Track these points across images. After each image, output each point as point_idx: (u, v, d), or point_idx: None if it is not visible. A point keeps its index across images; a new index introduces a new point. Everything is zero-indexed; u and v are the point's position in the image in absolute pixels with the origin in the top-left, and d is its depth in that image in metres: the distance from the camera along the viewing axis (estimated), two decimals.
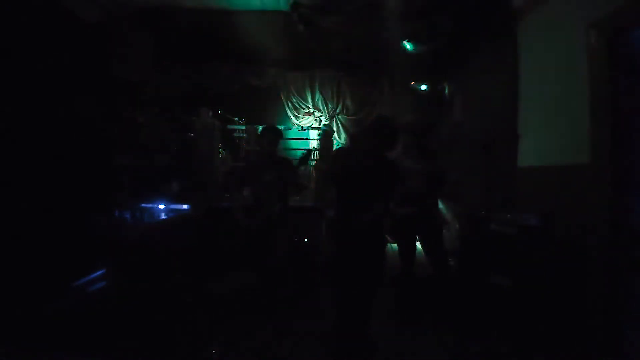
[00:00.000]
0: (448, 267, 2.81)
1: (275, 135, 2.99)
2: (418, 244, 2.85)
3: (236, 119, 5.40)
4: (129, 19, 3.95)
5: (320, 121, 5.67)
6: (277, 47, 4.83)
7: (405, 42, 4.24)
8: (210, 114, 4.67)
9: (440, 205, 3.37)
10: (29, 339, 1.93)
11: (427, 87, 5.36)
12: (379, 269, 2.34)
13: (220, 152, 4.76)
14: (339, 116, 5.68)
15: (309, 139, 5.75)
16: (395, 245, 4.57)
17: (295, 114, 5.68)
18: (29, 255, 2.20)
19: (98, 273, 2.42)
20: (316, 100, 5.62)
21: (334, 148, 5.11)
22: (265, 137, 2.95)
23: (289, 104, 5.64)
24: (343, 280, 2.31)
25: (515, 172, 3.20)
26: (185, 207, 3.48)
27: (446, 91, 5.24)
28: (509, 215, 2.76)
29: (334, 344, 2.33)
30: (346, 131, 5.71)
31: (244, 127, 5.45)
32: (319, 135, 5.48)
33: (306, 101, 5.64)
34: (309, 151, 3.46)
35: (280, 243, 2.94)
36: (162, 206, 3.29)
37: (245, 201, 3.07)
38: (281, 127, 5.55)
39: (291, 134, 5.63)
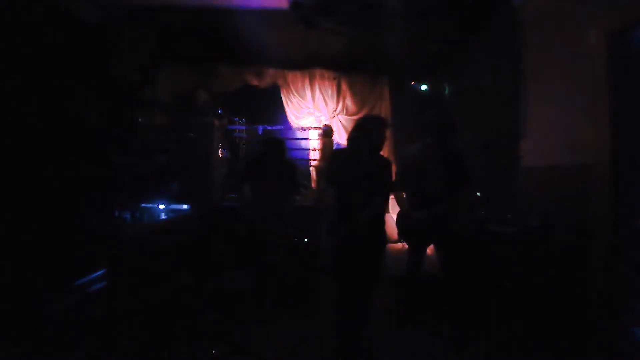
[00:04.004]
0: (460, 279, 2.63)
1: (279, 149, 3.06)
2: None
3: (236, 119, 5.40)
4: (129, 18, 3.95)
5: (320, 121, 5.67)
6: (277, 47, 4.83)
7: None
8: (211, 114, 4.67)
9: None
10: (29, 339, 1.93)
11: (427, 87, 5.36)
12: (378, 268, 2.34)
13: (220, 152, 4.77)
14: (339, 116, 5.68)
15: (309, 139, 5.76)
16: (398, 245, 4.59)
17: (295, 114, 5.68)
18: (29, 256, 2.20)
19: (98, 273, 2.42)
20: (316, 100, 5.62)
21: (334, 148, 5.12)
22: (269, 150, 3.02)
23: (289, 104, 5.64)
24: (342, 280, 2.31)
25: (515, 172, 3.20)
26: (185, 207, 3.48)
27: (446, 91, 5.25)
28: (509, 215, 2.76)
29: (334, 343, 2.33)
30: (346, 131, 5.71)
31: (244, 127, 5.46)
32: (319, 135, 5.49)
33: (306, 101, 5.64)
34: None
35: (282, 243, 2.96)
36: (162, 206, 3.29)
37: (250, 201, 3.10)
38: (280, 128, 5.61)
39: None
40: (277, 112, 5.75)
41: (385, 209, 2.39)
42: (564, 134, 2.69)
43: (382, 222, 2.37)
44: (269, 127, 5.60)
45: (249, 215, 3.13)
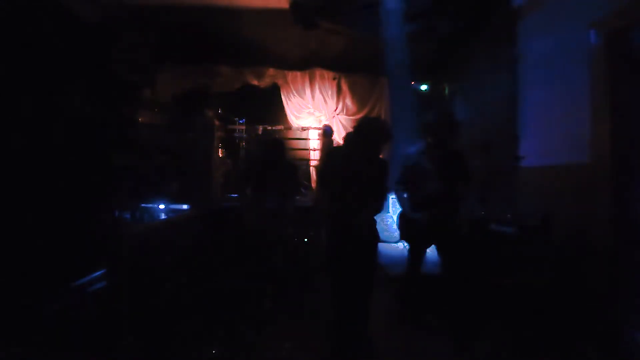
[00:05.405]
0: (460, 279, 2.60)
1: (279, 149, 3.07)
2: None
3: (236, 119, 5.40)
4: (129, 18, 3.95)
5: (320, 121, 5.67)
6: (277, 47, 4.82)
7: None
8: (211, 114, 4.67)
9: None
10: (29, 339, 1.93)
11: (427, 87, 5.36)
12: (372, 267, 2.35)
13: (221, 152, 4.77)
14: (339, 116, 5.68)
15: (309, 139, 5.76)
16: (395, 245, 4.59)
17: (295, 114, 5.68)
18: (29, 255, 2.20)
19: (98, 273, 2.42)
20: (316, 100, 5.62)
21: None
22: (269, 151, 3.02)
23: (289, 103, 5.64)
24: (338, 279, 2.32)
25: (515, 172, 3.20)
26: (185, 207, 3.48)
27: (446, 91, 5.25)
28: (509, 215, 2.76)
29: (332, 342, 2.33)
30: (346, 131, 5.71)
31: (244, 127, 5.46)
32: (319, 135, 5.49)
33: (306, 101, 5.64)
34: None
35: (282, 243, 2.97)
36: (162, 206, 3.29)
37: (252, 202, 3.11)
38: (281, 127, 5.62)
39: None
40: (277, 112, 5.75)
41: (380, 210, 2.38)
42: (564, 134, 2.70)
43: (374, 222, 2.37)
44: (269, 127, 5.60)
45: (249, 216, 3.14)
